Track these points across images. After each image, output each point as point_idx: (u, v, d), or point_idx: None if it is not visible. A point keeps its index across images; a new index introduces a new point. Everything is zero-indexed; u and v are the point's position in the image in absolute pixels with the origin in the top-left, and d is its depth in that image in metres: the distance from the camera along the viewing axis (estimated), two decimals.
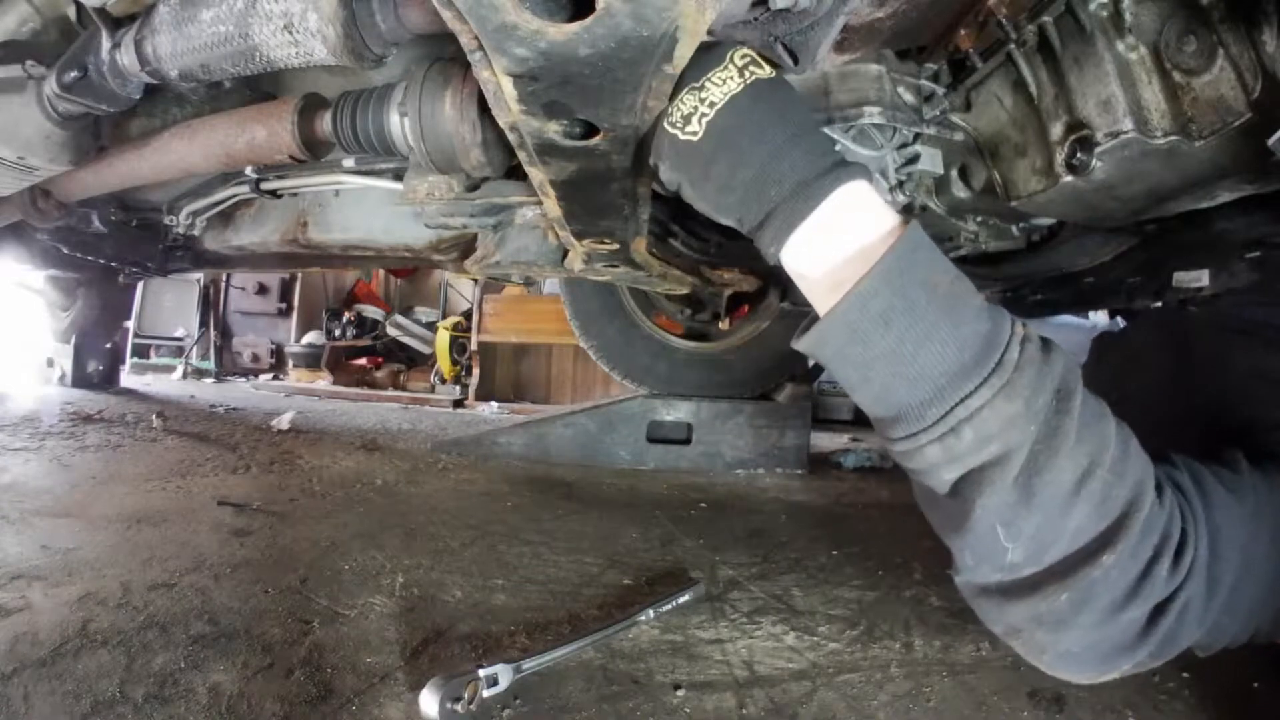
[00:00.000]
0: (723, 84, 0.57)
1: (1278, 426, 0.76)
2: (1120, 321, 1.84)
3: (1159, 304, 1.43)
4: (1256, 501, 0.58)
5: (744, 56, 0.58)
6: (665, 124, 0.58)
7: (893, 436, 0.52)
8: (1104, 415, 0.53)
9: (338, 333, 5.27)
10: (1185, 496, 0.55)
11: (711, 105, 0.56)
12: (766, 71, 0.58)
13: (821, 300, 0.54)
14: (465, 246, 1.50)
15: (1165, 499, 0.53)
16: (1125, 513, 0.50)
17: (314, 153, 1.05)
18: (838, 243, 0.53)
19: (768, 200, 0.55)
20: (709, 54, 0.58)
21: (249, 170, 1.50)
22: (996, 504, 0.49)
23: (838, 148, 0.95)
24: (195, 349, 4.92)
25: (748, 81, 0.57)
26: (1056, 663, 0.55)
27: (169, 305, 5.00)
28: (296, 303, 5.28)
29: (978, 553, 0.53)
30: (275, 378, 4.80)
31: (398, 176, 1.29)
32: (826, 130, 0.95)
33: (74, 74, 0.98)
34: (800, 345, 0.54)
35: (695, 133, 0.57)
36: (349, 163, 1.34)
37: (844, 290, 0.50)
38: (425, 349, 5.12)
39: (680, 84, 0.57)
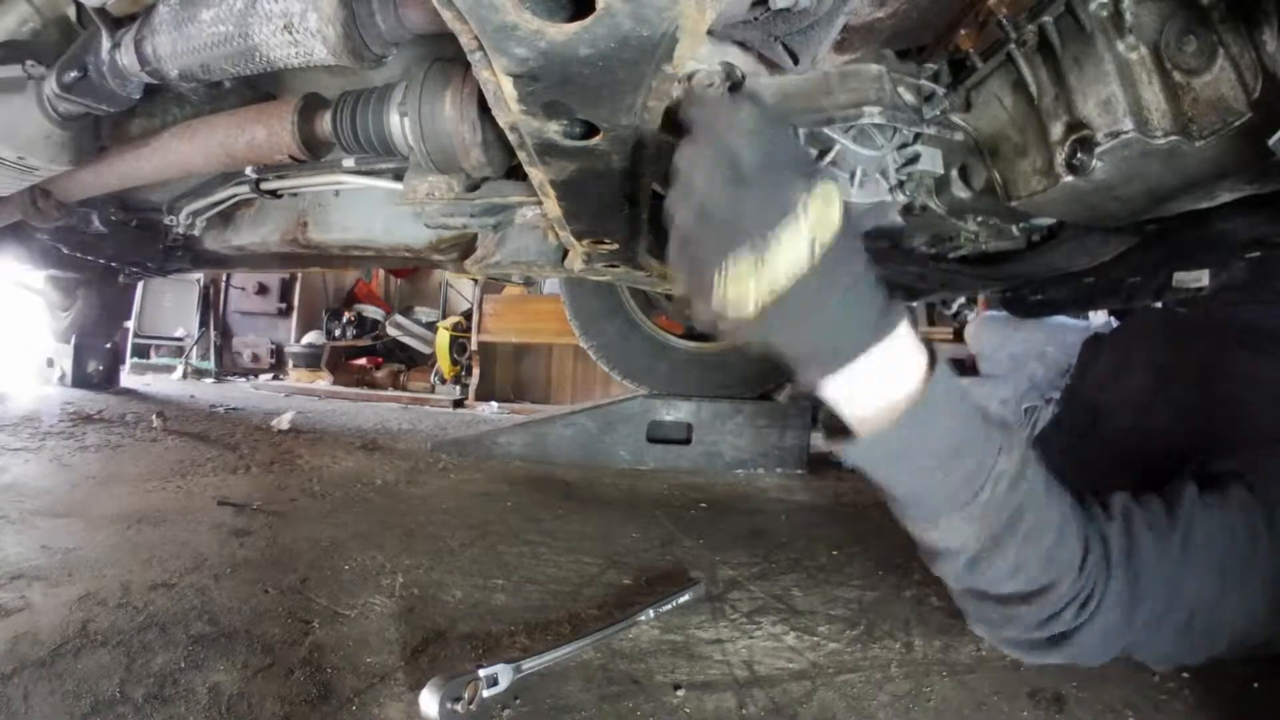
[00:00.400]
0: (791, 250, 0.50)
1: (1262, 443, 0.82)
2: (1113, 322, 1.84)
3: (1159, 304, 1.43)
4: (1187, 539, 0.67)
5: (818, 202, 0.50)
6: (711, 298, 0.52)
7: (902, 515, 0.65)
8: (1044, 527, 0.62)
9: (338, 333, 5.27)
10: (1108, 549, 0.65)
11: (773, 291, 0.50)
12: (835, 221, 0.51)
13: (862, 428, 0.60)
14: (465, 246, 1.50)
15: (1085, 565, 0.64)
16: (1045, 589, 0.63)
17: (314, 153, 1.05)
18: (868, 398, 0.59)
19: (810, 364, 0.58)
20: (775, 182, 0.50)
21: (249, 170, 1.50)
22: (953, 571, 0.65)
23: (836, 149, 0.95)
24: (195, 349, 4.92)
25: (817, 258, 0.50)
26: (1000, 644, 0.71)
27: (169, 305, 5.00)
28: (296, 303, 5.28)
29: (960, 580, 0.67)
30: (275, 378, 4.80)
31: (398, 176, 1.29)
32: (827, 130, 0.95)
33: (74, 74, 0.99)
34: (846, 455, 0.61)
35: (748, 313, 0.51)
36: (349, 163, 1.34)
37: (884, 423, 0.58)
38: (425, 349, 5.12)
39: (734, 236, 0.50)
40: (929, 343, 0.60)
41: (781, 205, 0.50)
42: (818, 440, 2.65)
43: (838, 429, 0.62)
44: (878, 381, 0.58)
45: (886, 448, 0.59)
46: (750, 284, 0.50)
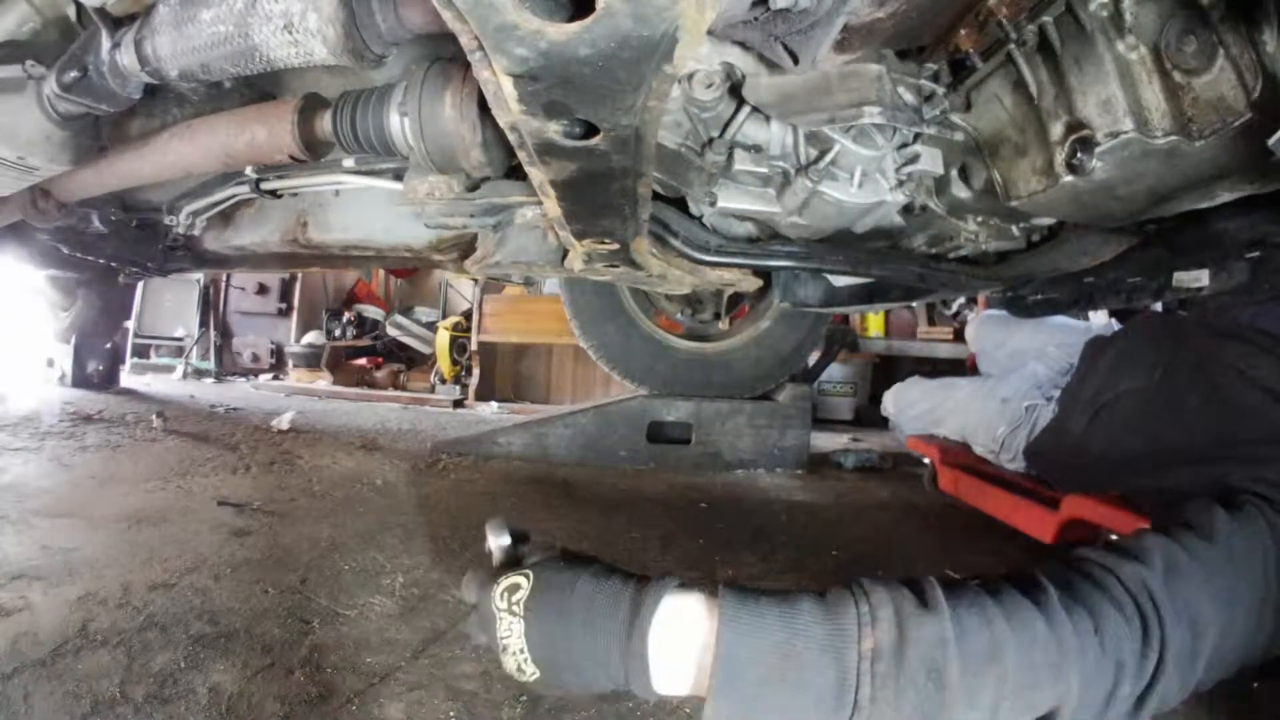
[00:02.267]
0: (505, 624, 0.59)
1: (1264, 443, 0.80)
2: (1115, 324, 1.84)
3: (1159, 304, 1.43)
4: (1232, 563, 0.63)
5: (503, 591, 0.60)
6: (513, 674, 0.60)
7: None
8: (995, 654, 0.53)
9: (338, 333, 5.27)
10: (1155, 601, 0.58)
11: (520, 651, 0.58)
12: (525, 585, 0.60)
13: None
14: (465, 246, 1.50)
15: (1123, 631, 0.56)
16: (1051, 712, 0.54)
17: (314, 153, 1.05)
18: (677, 662, 0.56)
19: (612, 668, 0.57)
20: (481, 591, 0.62)
21: (249, 170, 1.50)
22: None
23: (836, 149, 0.95)
24: (195, 349, 4.92)
25: (523, 609, 0.59)
26: None
27: (169, 305, 4.99)
28: (296, 303, 5.28)
29: None
30: (275, 378, 4.80)
31: (398, 176, 1.29)
32: (827, 130, 0.95)
33: (74, 74, 0.98)
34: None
35: (529, 674, 0.59)
36: (349, 163, 1.34)
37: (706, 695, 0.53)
38: (425, 349, 5.12)
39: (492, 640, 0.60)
40: (706, 587, 0.58)
41: (485, 616, 0.61)
42: (817, 440, 2.65)
43: None
44: (677, 651, 0.55)
45: (729, 703, 0.53)
46: (508, 661, 0.59)
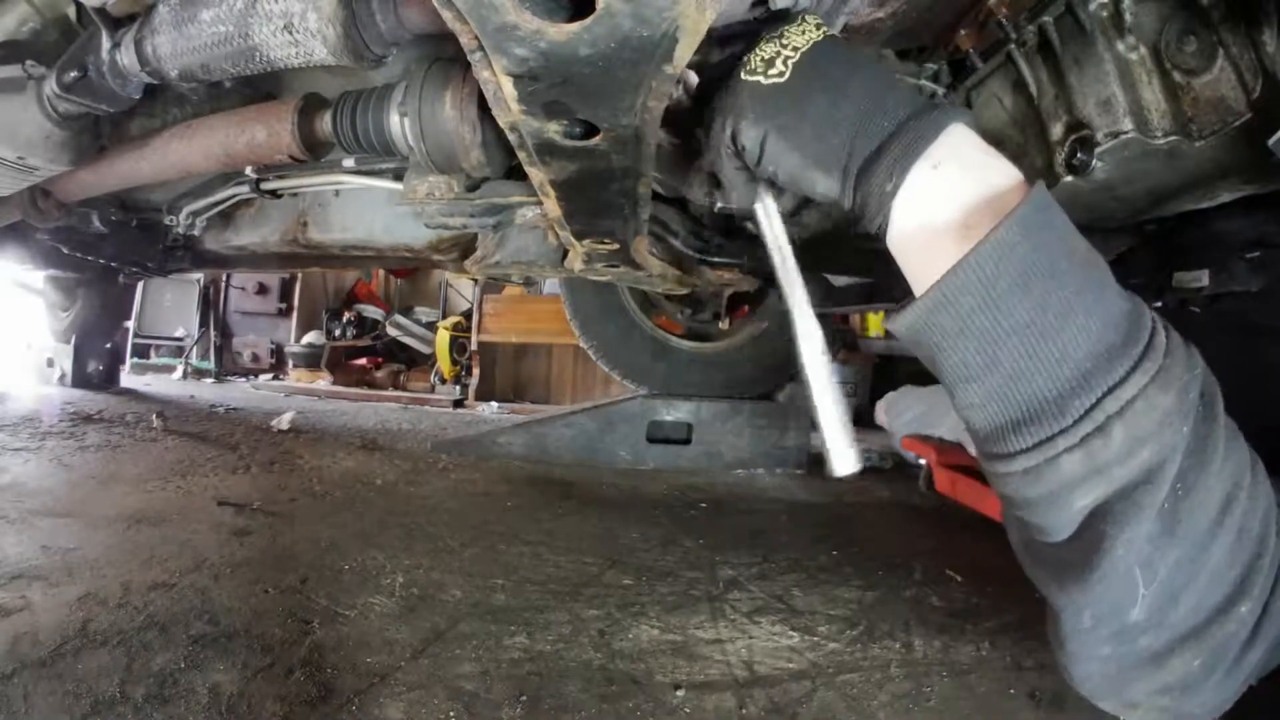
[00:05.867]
0: (802, 33, 0.53)
1: None
2: None
3: (1159, 304, 1.42)
4: None
5: (816, 18, 0.55)
6: (743, 74, 0.53)
7: (1013, 449, 0.41)
8: (1237, 430, 0.44)
9: (338, 333, 5.27)
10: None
11: (795, 49, 0.52)
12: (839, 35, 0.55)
13: (943, 251, 0.43)
14: (465, 246, 1.50)
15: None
16: (1259, 550, 0.42)
17: (314, 153, 1.05)
18: (968, 178, 0.44)
19: (879, 130, 0.46)
20: (781, 18, 0.56)
21: (249, 170, 1.50)
22: (1140, 538, 0.39)
23: None
24: (195, 349, 4.92)
25: (826, 33, 0.53)
26: None
27: (169, 305, 5.00)
28: (296, 303, 5.28)
29: (1102, 608, 0.42)
30: (275, 378, 4.80)
31: (398, 176, 1.29)
32: None
33: (74, 74, 0.98)
34: (908, 317, 0.43)
35: (781, 73, 0.51)
36: (349, 163, 1.34)
37: (976, 238, 0.40)
38: (425, 349, 5.12)
39: (754, 42, 0.54)
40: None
41: (789, 18, 0.55)
42: (818, 440, 2.65)
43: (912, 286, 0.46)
44: (968, 173, 0.44)
45: (1014, 253, 0.39)
46: (774, 50, 0.52)
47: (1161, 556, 0.40)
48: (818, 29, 0.53)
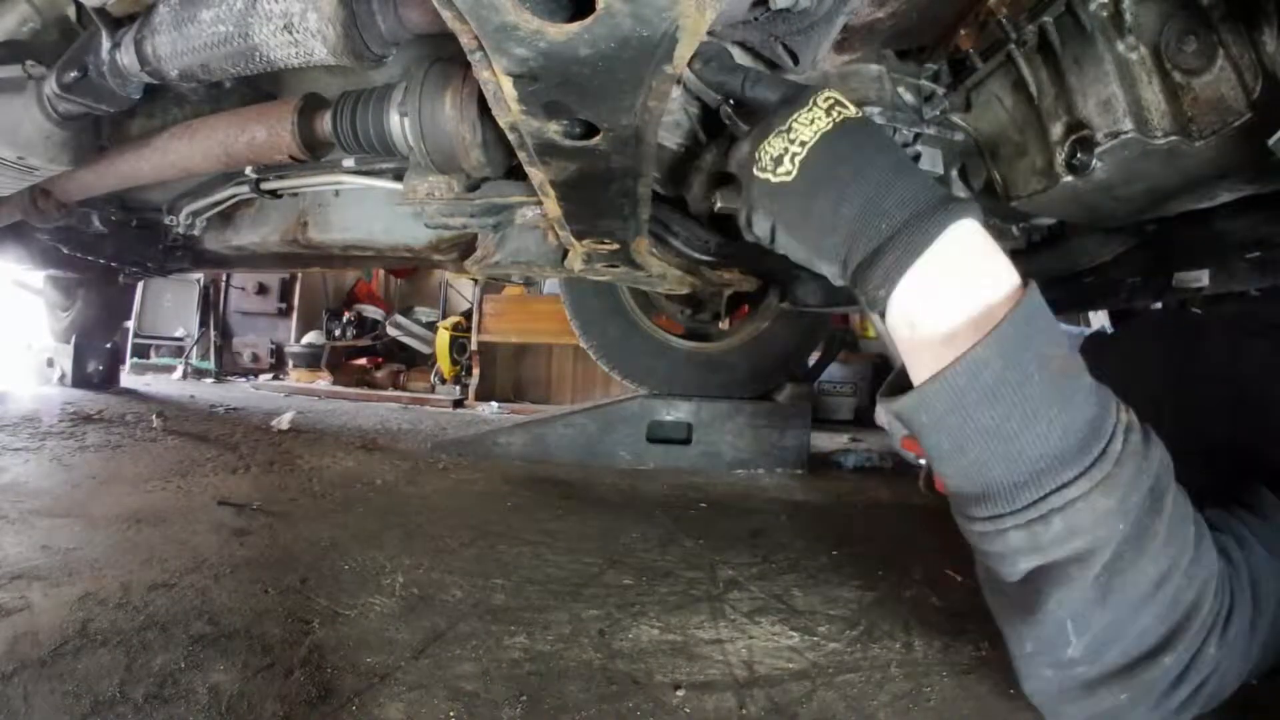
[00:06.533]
0: (810, 123, 0.54)
1: None
2: (1108, 327, 1.83)
3: (1159, 304, 1.42)
4: None
5: (828, 99, 0.56)
6: (754, 171, 0.56)
7: (974, 515, 0.50)
8: (1188, 515, 0.50)
9: (338, 333, 5.27)
10: (1233, 565, 0.55)
11: (803, 144, 0.54)
12: (853, 111, 0.56)
13: (927, 355, 0.49)
14: (465, 246, 1.50)
15: (1228, 570, 0.53)
16: (1189, 614, 0.49)
17: (314, 153, 1.05)
18: (956, 290, 0.48)
19: (876, 234, 0.50)
20: (793, 100, 0.56)
21: (249, 170, 1.50)
22: (1072, 600, 0.47)
23: None
24: (195, 349, 4.92)
25: (836, 120, 0.54)
26: None
27: (169, 305, 5.00)
28: (296, 303, 5.28)
29: (1039, 643, 0.51)
30: (275, 378, 4.80)
31: (398, 176, 1.29)
32: None
33: (74, 74, 0.98)
34: (894, 408, 0.50)
35: (789, 173, 0.54)
36: (349, 163, 1.34)
37: (956, 350, 0.46)
38: (425, 349, 5.12)
39: (765, 130, 0.56)
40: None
41: (799, 102, 0.57)
42: (817, 440, 2.65)
43: (897, 387, 0.51)
44: (961, 281, 0.48)
45: (986, 371, 0.45)
46: (782, 147, 0.55)
47: (1095, 616, 0.48)
48: (828, 114, 0.55)
